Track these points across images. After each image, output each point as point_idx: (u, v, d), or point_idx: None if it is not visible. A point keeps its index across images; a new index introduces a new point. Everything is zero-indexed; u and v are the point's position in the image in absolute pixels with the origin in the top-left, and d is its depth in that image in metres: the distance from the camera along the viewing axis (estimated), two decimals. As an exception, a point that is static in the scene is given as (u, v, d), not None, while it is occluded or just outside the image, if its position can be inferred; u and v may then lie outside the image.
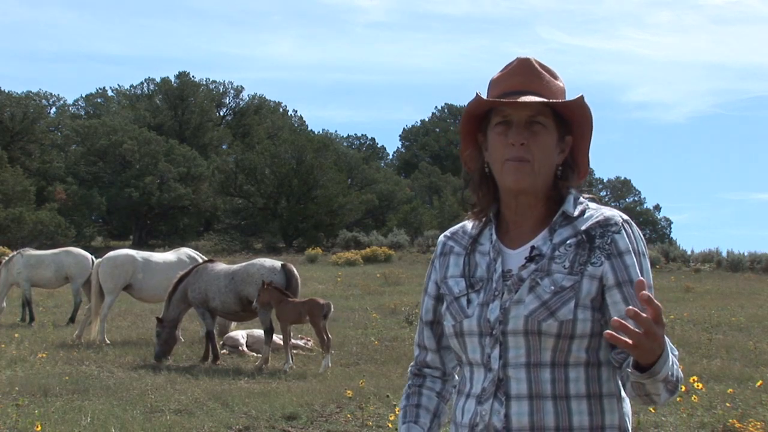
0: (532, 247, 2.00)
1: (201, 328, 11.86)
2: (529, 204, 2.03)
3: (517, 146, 1.97)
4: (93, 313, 13.42)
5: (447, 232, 2.20)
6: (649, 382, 1.79)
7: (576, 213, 2.01)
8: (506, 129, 1.99)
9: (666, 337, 1.78)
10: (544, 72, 2.04)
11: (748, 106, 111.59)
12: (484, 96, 2.04)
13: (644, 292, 1.68)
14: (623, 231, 1.97)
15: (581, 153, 2.07)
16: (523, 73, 2.02)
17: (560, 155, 2.04)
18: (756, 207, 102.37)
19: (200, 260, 13.56)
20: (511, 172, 1.98)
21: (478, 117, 2.07)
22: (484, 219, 2.11)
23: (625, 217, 2.01)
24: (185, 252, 14.43)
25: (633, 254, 1.96)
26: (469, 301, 2.03)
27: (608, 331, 1.71)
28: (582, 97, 2.01)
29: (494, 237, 2.06)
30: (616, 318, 1.69)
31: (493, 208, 2.09)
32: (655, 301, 1.68)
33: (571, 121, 2.04)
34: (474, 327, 2.00)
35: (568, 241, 1.98)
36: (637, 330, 1.68)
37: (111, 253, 14.12)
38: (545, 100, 1.98)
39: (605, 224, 1.98)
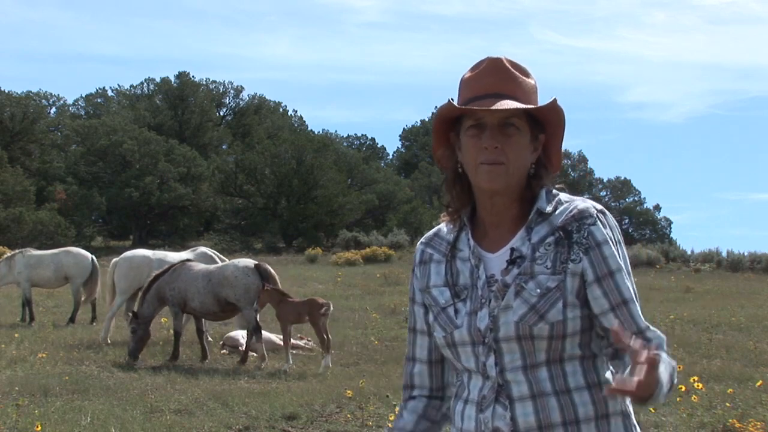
0: (512, 249, 1.99)
1: (207, 328, 11.85)
2: (504, 204, 2.02)
3: (491, 149, 1.97)
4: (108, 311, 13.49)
5: (423, 239, 2.19)
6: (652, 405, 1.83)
7: (550, 209, 2.01)
8: (479, 132, 1.99)
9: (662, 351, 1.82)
10: (515, 71, 2.03)
11: (745, 106, 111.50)
12: (457, 98, 2.04)
13: (633, 344, 1.72)
14: (599, 222, 1.98)
15: (554, 149, 2.07)
16: (495, 75, 2.01)
17: (533, 153, 2.03)
18: (754, 207, 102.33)
19: (218, 259, 13.54)
20: (486, 175, 1.98)
21: (451, 118, 2.06)
22: (458, 223, 2.10)
23: (599, 207, 2.01)
24: (202, 251, 14.35)
25: (611, 244, 1.96)
26: (456, 311, 2.02)
27: (607, 390, 1.74)
28: (555, 101, 2.00)
29: (472, 242, 2.05)
30: (610, 387, 1.70)
31: (467, 211, 2.08)
32: (650, 356, 1.70)
33: (543, 121, 2.03)
34: (465, 337, 2.00)
35: (546, 240, 1.97)
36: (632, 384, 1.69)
37: (127, 253, 14.08)
38: (519, 105, 1.97)
39: (580, 217, 1.98)
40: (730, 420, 6.92)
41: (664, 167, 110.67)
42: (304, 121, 72.16)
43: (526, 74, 2.05)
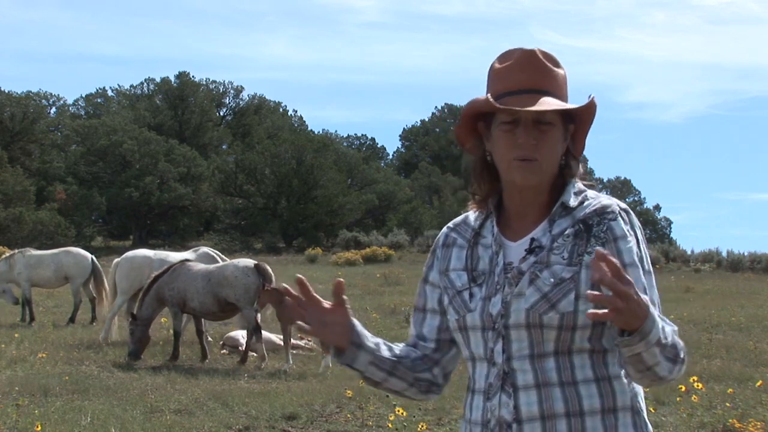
0: (532, 239, 1.99)
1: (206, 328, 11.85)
2: (533, 196, 2.02)
3: (526, 146, 1.96)
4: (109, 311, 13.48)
5: (450, 224, 2.19)
6: (644, 349, 1.76)
7: (575, 203, 2.01)
8: (513, 127, 1.97)
9: (651, 305, 1.77)
10: (548, 64, 2.02)
11: (744, 106, 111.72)
12: (487, 88, 2.03)
13: (598, 249, 1.70)
14: (619, 218, 1.97)
15: (580, 137, 2.07)
16: (529, 69, 2.00)
17: (563, 144, 2.03)
18: (754, 207, 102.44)
19: (219, 260, 13.51)
20: (520, 171, 1.97)
21: (483, 111, 2.05)
22: (485, 210, 2.10)
23: (623, 205, 2.00)
24: (204, 251, 14.30)
25: (628, 240, 1.95)
26: (471, 295, 2.02)
27: (589, 311, 1.70)
28: (593, 99, 2.01)
29: (495, 229, 2.05)
30: (589, 291, 1.69)
31: (494, 199, 2.09)
32: (611, 257, 1.68)
33: (575, 114, 2.03)
34: (477, 321, 2.00)
35: (566, 232, 1.97)
36: (609, 295, 1.66)
37: (129, 253, 14.07)
38: (559, 107, 1.96)
39: (602, 212, 1.97)
40: (730, 420, 6.92)
41: (664, 167, 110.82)
42: (304, 121, 72.22)
43: (558, 65, 2.04)
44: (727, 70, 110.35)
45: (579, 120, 2.04)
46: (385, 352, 2.08)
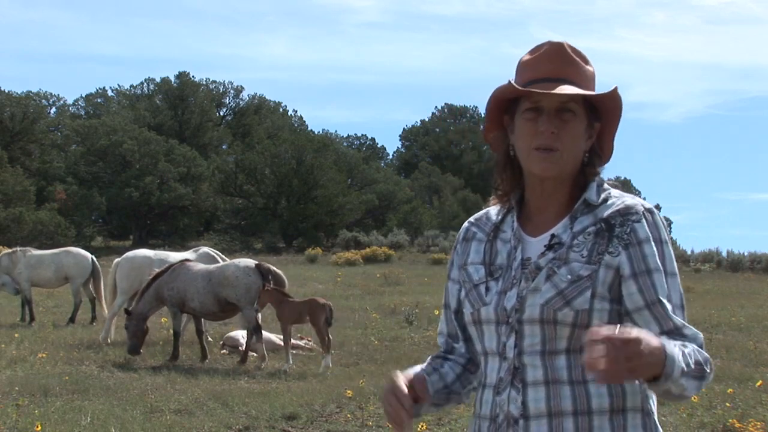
0: (552, 235, 1.98)
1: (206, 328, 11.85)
2: (554, 188, 2.01)
3: (546, 134, 1.95)
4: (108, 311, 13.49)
5: (471, 218, 2.19)
6: (671, 385, 1.77)
7: (598, 201, 2.00)
8: (536, 116, 1.97)
9: (663, 338, 1.77)
10: (576, 58, 2.02)
11: (744, 106, 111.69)
12: (514, 80, 2.02)
13: (589, 336, 1.68)
14: (643, 220, 1.95)
15: (607, 138, 2.06)
16: (556, 60, 2.00)
17: (588, 141, 2.02)
18: (754, 207, 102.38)
19: (220, 260, 13.50)
20: (539, 161, 1.96)
21: (506, 100, 2.04)
22: (507, 205, 2.09)
23: (648, 205, 1.99)
24: (204, 251, 14.29)
25: (653, 243, 1.93)
26: (487, 289, 2.02)
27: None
28: (616, 89, 1.99)
29: (515, 224, 2.04)
30: (595, 377, 1.69)
31: (517, 194, 2.08)
32: (604, 331, 1.67)
33: (600, 109, 2.02)
34: (491, 315, 1.99)
35: (587, 230, 1.96)
36: (615, 362, 1.66)
37: (129, 253, 14.07)
38: (580, 91, 1.96)
39: (625, 213, 1.96)
40: (730, 420, 6.93)
41: (664, 167, 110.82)
42: (304, 121, 72.21)
43: (586, 61, 2.04)
44: (727, 70, 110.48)
45: (604, 116, 2.03)
46: (437, 384, 2.09)
